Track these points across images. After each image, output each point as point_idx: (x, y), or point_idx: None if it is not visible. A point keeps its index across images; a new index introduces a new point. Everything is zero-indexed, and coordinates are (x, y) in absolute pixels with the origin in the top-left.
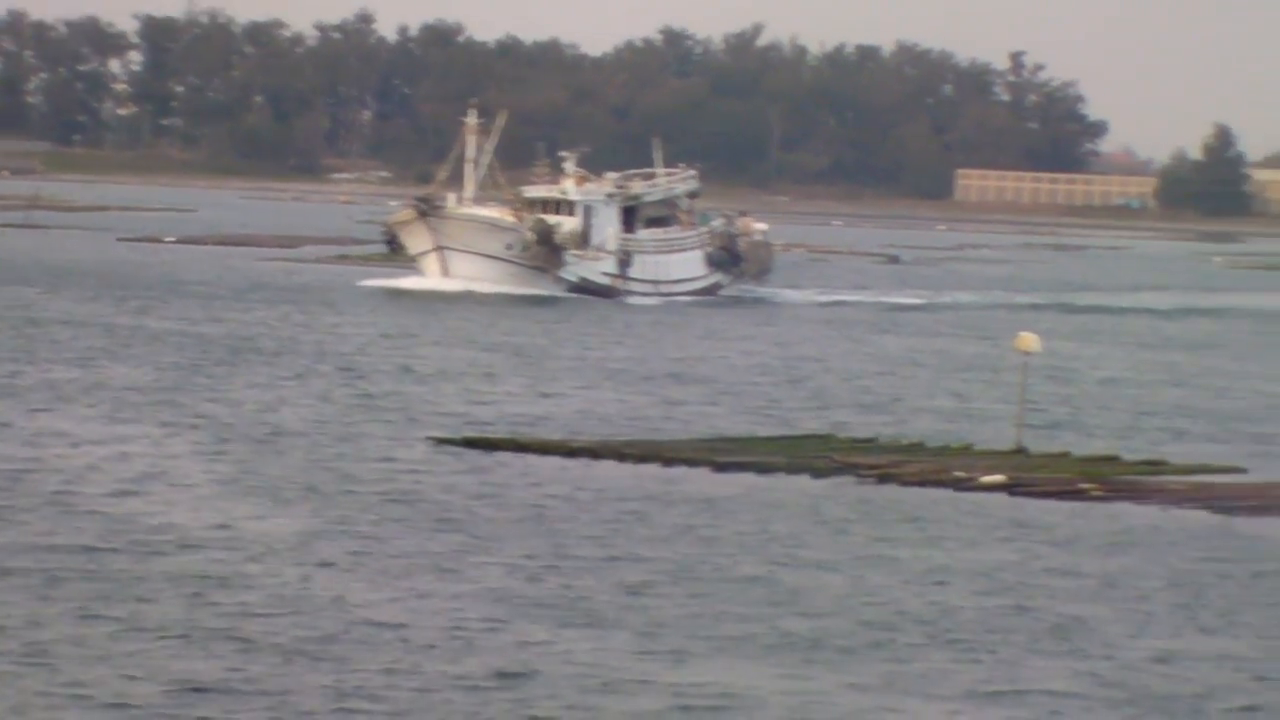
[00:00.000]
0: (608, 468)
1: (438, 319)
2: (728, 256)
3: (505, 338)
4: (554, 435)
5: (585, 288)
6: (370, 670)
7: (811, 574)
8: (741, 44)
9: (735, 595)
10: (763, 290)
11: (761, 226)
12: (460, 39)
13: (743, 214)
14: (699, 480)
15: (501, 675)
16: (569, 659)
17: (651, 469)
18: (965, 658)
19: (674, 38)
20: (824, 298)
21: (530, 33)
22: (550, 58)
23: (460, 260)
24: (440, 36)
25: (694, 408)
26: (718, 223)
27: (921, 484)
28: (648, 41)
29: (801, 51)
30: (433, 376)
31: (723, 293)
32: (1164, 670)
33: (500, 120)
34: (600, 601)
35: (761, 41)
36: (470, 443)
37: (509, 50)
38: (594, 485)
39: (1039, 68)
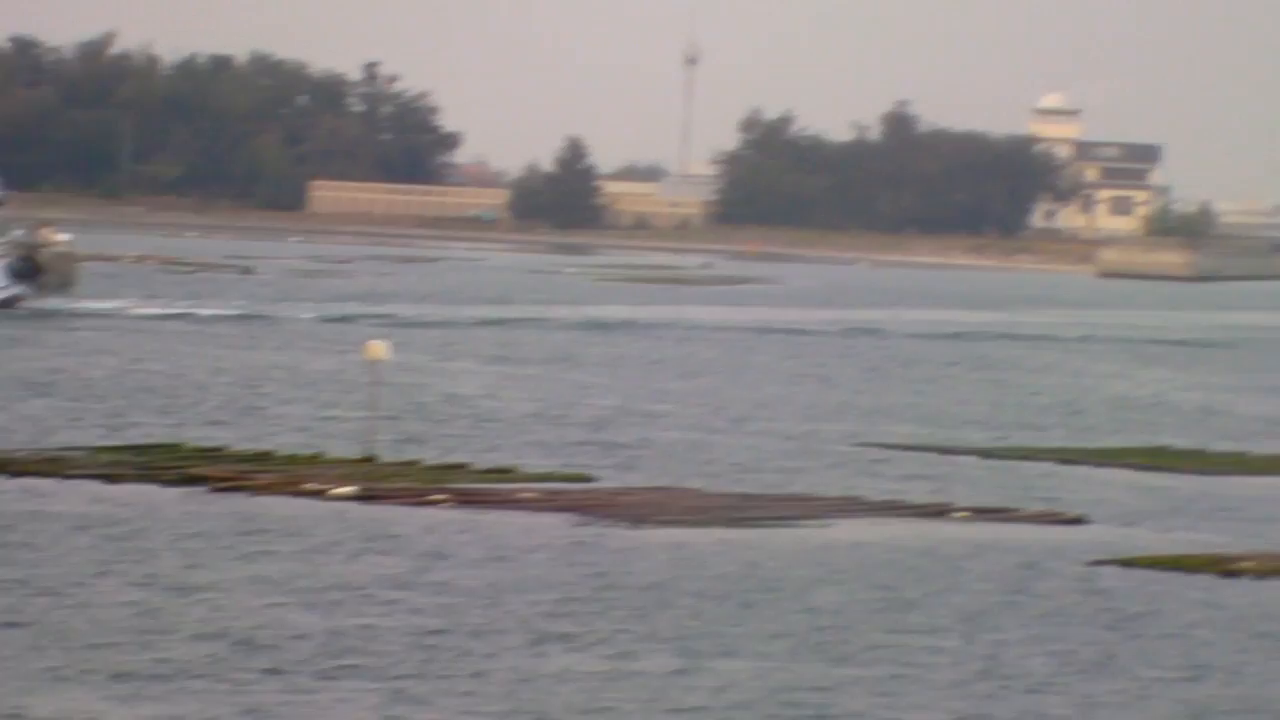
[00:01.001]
0: None
1: None
2: (29, 268)
3: None
4: None
5: None
6: None
7: (166, 593)
8: (93, 53)
9: (90, 619)
10: (74, 303)
11: (65, 237)
12: None
13: (44, 225)
14: (48, 492)
15: None
16: None
17: None
18: (319, 685)
19: (24, 46)
20: (168, 310)
21: None
22: None
23: None
24: None
25: (43, 419)
26: (18, 233)
27: (273, 494)
28: None
29: (154, 60)
30: None
31: (24, 305)
32: (544, 687)
33: None
34: None
35: (114, 50)
36: None
37: None
38: None
39: (393, 79)
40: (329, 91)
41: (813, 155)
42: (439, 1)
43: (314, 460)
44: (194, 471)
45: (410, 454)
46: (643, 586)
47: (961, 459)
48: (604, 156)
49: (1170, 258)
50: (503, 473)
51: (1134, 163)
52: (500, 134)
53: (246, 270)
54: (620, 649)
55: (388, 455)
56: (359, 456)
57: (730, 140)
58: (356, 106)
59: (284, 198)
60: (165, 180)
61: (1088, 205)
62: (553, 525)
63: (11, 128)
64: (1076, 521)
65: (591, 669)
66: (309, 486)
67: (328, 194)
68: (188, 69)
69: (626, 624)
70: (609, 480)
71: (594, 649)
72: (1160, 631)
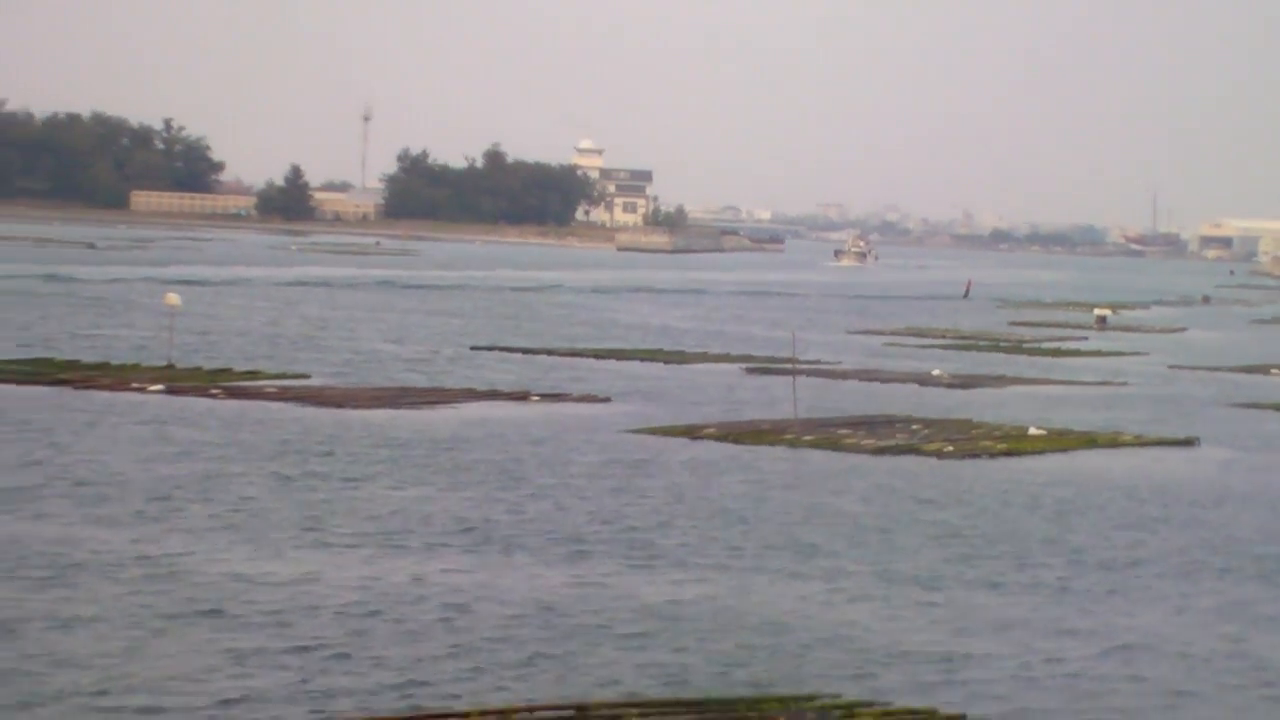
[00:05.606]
0: None
1: None
2: None
3: None
4: None
5: None
6: None
7: (52, 448)
8: None
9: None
10: None
11: None
12: None
13: None
14: None
15: None
16: None
17: None
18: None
19: None
20: (43, 272)
21: None
22: None
23: None
24: None
25: None
26: None
27: (113, 390)
28: None
29: (30, 116)
30: None
31: None
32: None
33: None
34: None
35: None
36: None
37: None
38: None
39: (181, 128)
40: (142, 136)
41: (441, 176)
42: (217, 78)
43: (135, 368)
44: (60, 376)
45: (194, 363)
46: (324, 443)
47: (538, 358)
48: (314, 176)
49: (660, 239)
50: (253, 374)
51: (636, 181)
52: (249, 161)
53: (90, 245)
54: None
55: (180, 364)
56: (163, 365)
57: (391, 166)
58: (159, 145)
59: (115, 202)
60: (38, 190)
61: (609, 207)
62: (284, 407)
63: None
64: (606, 401)
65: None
66: (134, 384)
67: (142, 199)
68: (53, 122)
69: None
70: (325, 380)
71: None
72: (656, 470)
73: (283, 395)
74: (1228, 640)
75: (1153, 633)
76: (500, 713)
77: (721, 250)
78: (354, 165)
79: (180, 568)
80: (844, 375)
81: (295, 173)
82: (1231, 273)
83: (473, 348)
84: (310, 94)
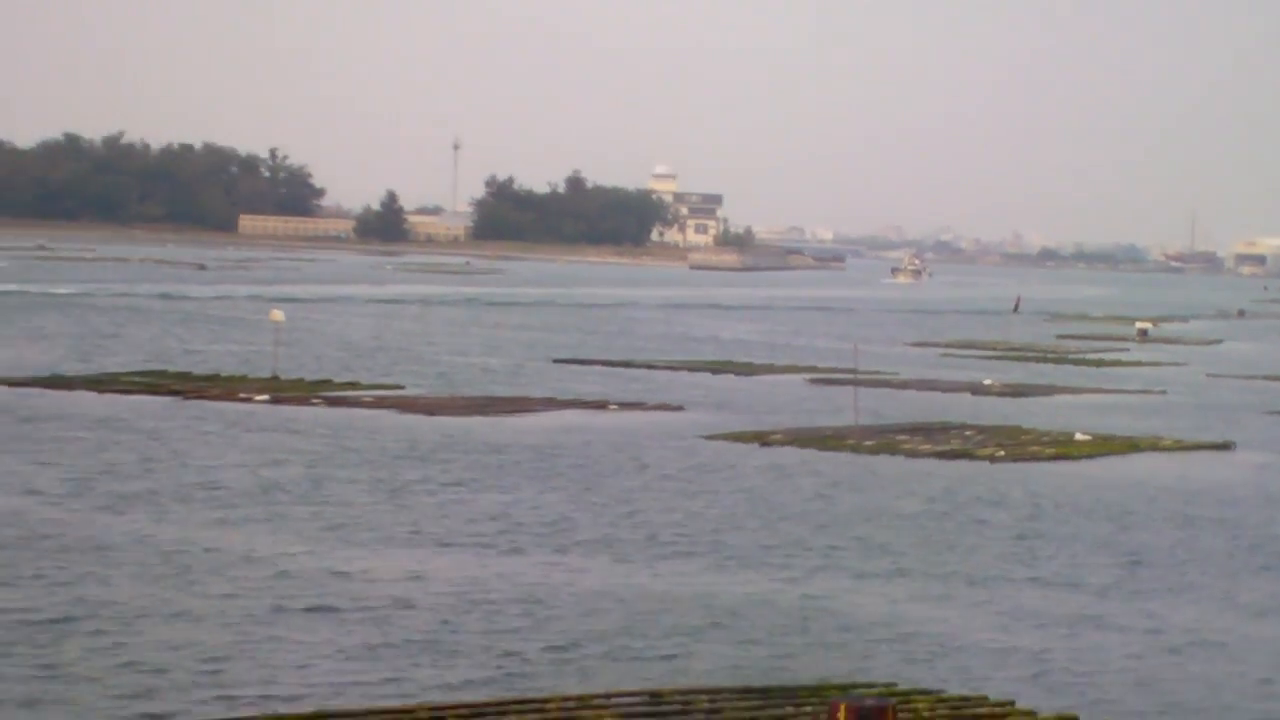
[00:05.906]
0: None
1: None
2: None
3: None
4: None
5: None
6: None
7: (171, 454)
8: (112, 141)
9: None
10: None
11: None
12: None
13: None
14: (89, 400)
15: None
16: None
17: None
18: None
19: (70, 137)
20: (156, 290)
21: None
22: None
23: None
24: None
25: (86, 354)
26: None
27: (221, 400)
28: None
29: (147, 146)
30: None
31: None
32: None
33: None
34: None
35: (123, 141)
36: None
37: None
38: None
39: (285, 156)
40: (249, 164)
41: (526, 200)
42: (318, 109)
43: (243, 379)
44: (174, 387)
45: (297, 375)
46: (438, 447)
47: (616, 370)
48: (408, 201)
49: (730, 258)
50: (352, 385)
51: (708, 204)
52: (348, 187)
53: (201, 266)
54: (463, 480)
55: (284, 376)
56: (269, 377)
57: (479, 191)
58: (265, 172)
59: (224, 226)
60: (154, 215)
61: (682, 228)
62: (384, 414)
63: (59, 185)
64: (679, 409)
65: (445, 496)
66: (241, 395)
67: (249, 223)
68: (167, 152)
69: (429, 468)
70: (417, 390)
71: (449, 485)
72: (728, 474)
73: (379, 404)
74: (1271, 635)
75: (1198, 628)
76: (579, 699)
77: (787, 268)
78: (445, 191)
79: (288, 566)
80: (902, 385)
81: (391, 198)
82: (1265, 288)
83: (555, 360)
84: (405, 125)
